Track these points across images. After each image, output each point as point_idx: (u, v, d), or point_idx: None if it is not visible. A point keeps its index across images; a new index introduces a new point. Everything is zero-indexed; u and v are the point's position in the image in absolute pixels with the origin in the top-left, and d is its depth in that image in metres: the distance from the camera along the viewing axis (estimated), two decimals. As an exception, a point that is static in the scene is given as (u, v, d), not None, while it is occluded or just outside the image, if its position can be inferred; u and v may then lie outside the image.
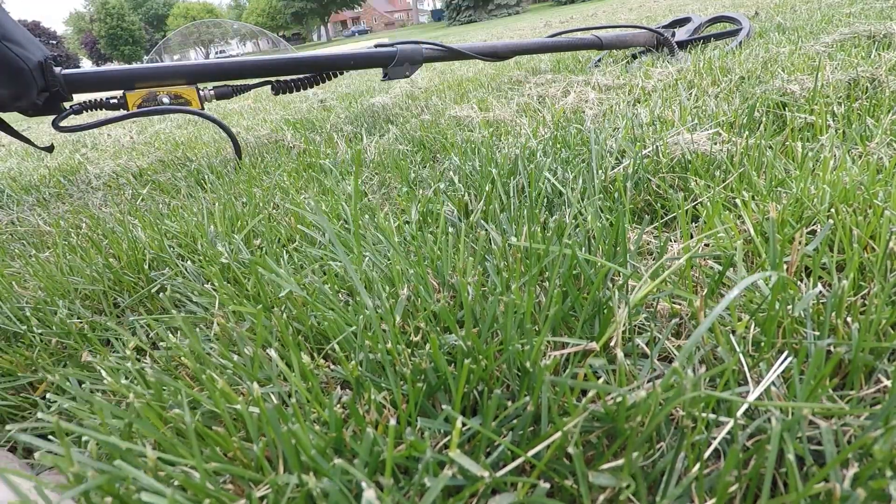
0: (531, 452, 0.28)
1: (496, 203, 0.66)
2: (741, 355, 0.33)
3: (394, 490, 0.27)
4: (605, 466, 0.27)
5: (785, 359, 0.32)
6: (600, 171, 0.71)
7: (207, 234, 0.70)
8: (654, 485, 0.28)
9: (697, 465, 0.26)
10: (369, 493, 0.24)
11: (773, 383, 0.32)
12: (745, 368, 0.33)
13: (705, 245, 0.54)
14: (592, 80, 1.48)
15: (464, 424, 0.31)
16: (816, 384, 0.28)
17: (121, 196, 1.14)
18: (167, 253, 0.67)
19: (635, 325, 0.42)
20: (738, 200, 0.54)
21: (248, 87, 1.45)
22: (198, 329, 0.51)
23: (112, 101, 1.29)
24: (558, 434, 0.27)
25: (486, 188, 0.67)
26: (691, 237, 0.57)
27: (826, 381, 0.29)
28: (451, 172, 0.85)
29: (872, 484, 0.23)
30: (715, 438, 0.29)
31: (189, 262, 0.65)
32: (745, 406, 0.29)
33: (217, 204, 0.83)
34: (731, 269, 0.45)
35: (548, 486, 0.26)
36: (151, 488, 0.26)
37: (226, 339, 0.46)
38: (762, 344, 0.34)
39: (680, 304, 0.44)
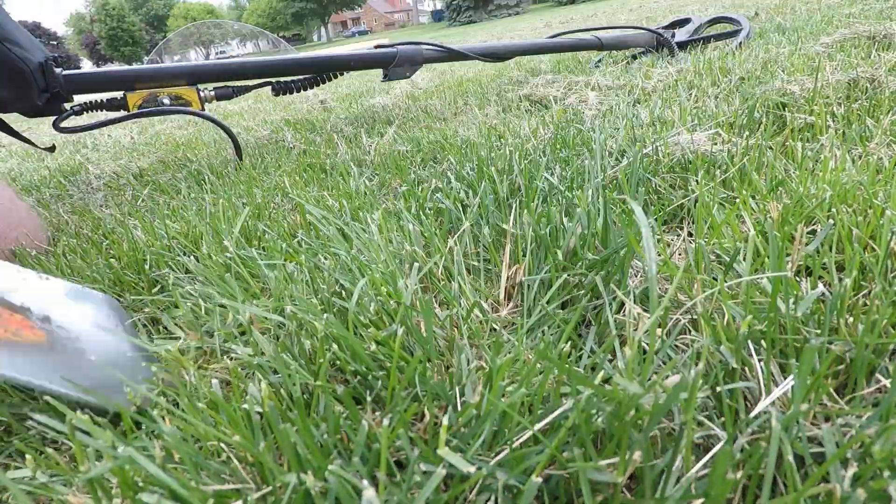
0: (538, 426, 0.27)
1: (490, 199, 0.66)
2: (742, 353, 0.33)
3: (391, 486, 0.27)
4: (604, 462, 0.27)
5: (785, 358, 0.32)
6: (600, 172, 0.71)
7: (216, 232, 0.70)
8: (653, 484, 0.28)
9: (697, 466, 0.26)
10: (369, 493, 0.24)
11: (773, 382, 0.32)
12: (746, 368, 0.33)
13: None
14: (593, 80, 1.48)
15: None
16: (814, 382, 0.28)
17: (121, 197, 1.14)
18: (173, 252, 0.67)
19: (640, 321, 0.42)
20: (738, 201, 0.54)
21: (248, 88, 1.45)
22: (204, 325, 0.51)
23: (113, 101, 1.29)
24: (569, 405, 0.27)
25: (482, 186, 0.68)
26: (690, 235, 0.57)
27: (825, 379, 0.29)
28: (450, 173, 0.85)
29: (873, 484, 0.23)
30: (713, 438, 0.29)
31: (192, 257, 0.65)
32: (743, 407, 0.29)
33: (220, 202, 0.83)
34: (742, 260, 0.45)
35: (539, 480, 0.26)
36: (158, 478, 0.26)
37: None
38: (763, 343, 0.34)
39: (685, 297, 0.44)
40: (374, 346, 0.38)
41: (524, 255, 0.52)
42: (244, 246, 0.66)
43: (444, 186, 0.77)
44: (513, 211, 0.55)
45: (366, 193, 0.83)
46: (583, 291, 0.46)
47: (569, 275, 0.47)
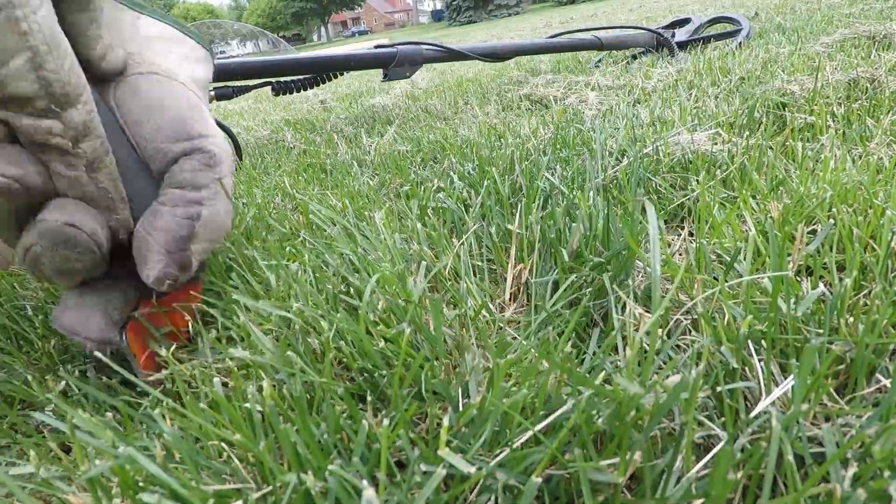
0: (539, 427, 0.27)
1: (493, 199, 0.66)
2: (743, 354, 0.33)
3: (391, 487, 0.27)
4: (604, 462, 0.27)
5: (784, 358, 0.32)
6: (601, 172, 0.71)
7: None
8: (654, 484, 0.28)
9: (697, 466, 0.26)
10: (369, 493, 0.24)
11: (773, 382, 0.32)
12: (746, 368, 0.33)
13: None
14: (593, 80, 1.48)
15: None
16: (815, 382, 0.28)
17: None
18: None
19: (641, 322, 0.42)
20: (739, 201, 0.54)
21: (248, 88, 1.45)
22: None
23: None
24: (570, 405, 0.27)
25: (484, 186, 0.68)
26: (691, 235, 0.58)
27: (825, 379, 0.29)
28: (452, 172, 0.85)
29: (873, 484, 0.23)
30: (713, 438, 0.29)
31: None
32: (742, 407, 0.29)
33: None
34: (743, 260, 0.45)
35: (540, 480, 0.26)
36: (159, 478, 0.26)
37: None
38: (764, 343, 0.34)
39: (685, 298, 0.44)
40: (382, 343, 0.38)
41: (529, 256, 0.52)
42: (246, 246, 0.66)
43: (446, 186, 0.77)
44: (518, 211, 0.55)
45: (367, 195, 0.83)
46: (589, 290, 0.46)
47: (576, 276, 0.47)
